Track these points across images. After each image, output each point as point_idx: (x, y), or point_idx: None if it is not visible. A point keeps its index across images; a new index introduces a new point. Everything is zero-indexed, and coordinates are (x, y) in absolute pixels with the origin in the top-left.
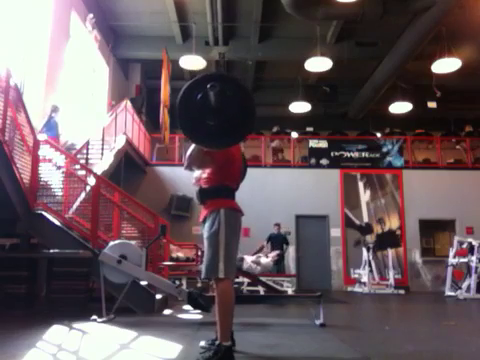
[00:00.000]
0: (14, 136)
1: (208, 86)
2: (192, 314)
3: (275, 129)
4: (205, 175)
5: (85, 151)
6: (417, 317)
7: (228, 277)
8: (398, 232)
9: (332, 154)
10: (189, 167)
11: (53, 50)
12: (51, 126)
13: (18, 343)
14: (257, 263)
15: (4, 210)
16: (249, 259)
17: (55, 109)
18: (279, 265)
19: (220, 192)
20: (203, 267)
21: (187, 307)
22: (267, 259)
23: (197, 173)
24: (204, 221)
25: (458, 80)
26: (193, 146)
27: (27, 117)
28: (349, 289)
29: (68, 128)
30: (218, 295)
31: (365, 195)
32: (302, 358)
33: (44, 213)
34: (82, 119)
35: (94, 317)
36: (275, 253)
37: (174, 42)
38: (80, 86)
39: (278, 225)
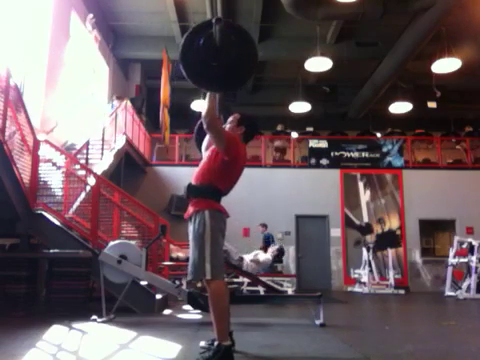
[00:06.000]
0: (14, 136)
1: (213, 20)
2: (192, 314)
3: (279, 128)
4: (200, 170)
5: (85, 151)
6: (417, 317)
7: (216, 278)
8: (398, 232)
9: (332, 154)
10: (206, 123)
11: (53, 50)
12: None
13: (18, 343)
14: (256, 262)
15: (4, 210)
16: (248, 258)
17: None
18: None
19: (207, 192)
20: (189, 269)
21: (187, 307)
22: (266, 255)
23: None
24: (189, 220)
25: (458, 80)
26: (207, 101)
27: (27, 117)
28: (349, 289)
29: (68, 128)
30: (210, 296)
31: (365, 195)
32: (302, 358)
33: (44, 213)
34: (82, 119)
35: (94, 317)
36: (275, 248)
37: (174, 42)
38: (80, 86)
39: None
